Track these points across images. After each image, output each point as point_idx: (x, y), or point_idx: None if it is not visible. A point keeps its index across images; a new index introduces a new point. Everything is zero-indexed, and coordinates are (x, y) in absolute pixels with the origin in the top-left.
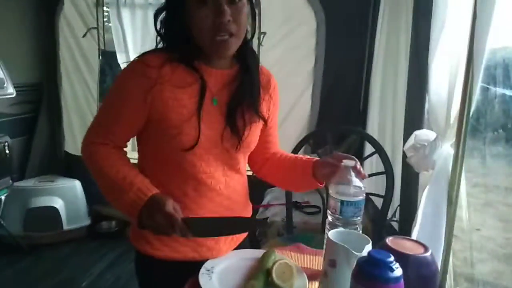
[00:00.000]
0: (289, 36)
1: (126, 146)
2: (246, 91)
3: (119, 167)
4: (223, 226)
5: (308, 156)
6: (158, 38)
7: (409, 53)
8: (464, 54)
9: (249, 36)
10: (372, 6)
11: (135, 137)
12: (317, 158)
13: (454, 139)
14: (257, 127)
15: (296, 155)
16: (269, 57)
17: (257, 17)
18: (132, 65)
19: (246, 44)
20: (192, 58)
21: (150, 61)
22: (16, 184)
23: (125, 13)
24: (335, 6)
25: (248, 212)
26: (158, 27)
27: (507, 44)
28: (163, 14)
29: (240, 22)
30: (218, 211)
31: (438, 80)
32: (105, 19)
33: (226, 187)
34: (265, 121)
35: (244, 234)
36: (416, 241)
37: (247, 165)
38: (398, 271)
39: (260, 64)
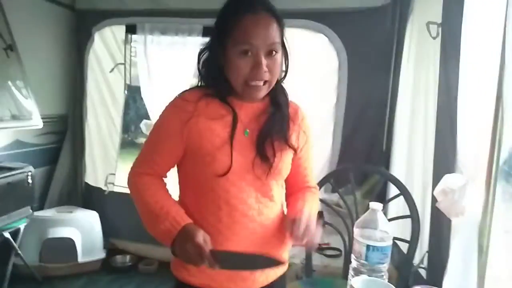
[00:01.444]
0: (310, 74)
1: (166, 176)
2: (276, 124)
3: (159, 197)
4: (248, 261)
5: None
6: (197, 75)
7: (437, 93)
8: (493, 97)
9: (281, 77)
10: (395, 45)
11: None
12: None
13: (484, 184)
14: (287, 155)
15: (296, 200)
16: (290, 95)
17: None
18: (173, 101)
19: (277, 83)
20: (226, 94)
21: (188, 97)
22: (36, 213)
23: (151, 50)
24: (357, 46)
25: (283, 243)
26: (199, 65)
27: None
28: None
29: (274, 71)
30: (252, 238)
31: (468, 122)
32: (132, 55)
33: (259, 214)
34: (295, 150)
35: (281, 270)
36: None
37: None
38: None
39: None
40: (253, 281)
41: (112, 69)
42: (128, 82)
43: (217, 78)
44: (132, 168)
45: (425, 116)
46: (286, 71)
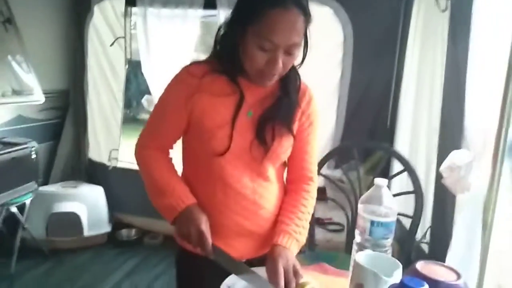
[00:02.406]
0: (315, 48)
1: (172, 148)
2: (282, 109)
3: (166, 172)
4: (238, 267)
5: (282, 226)
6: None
7: (445, 69)
8: (503, 72)
9: (296, 63)
10: (402, 18)
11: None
12: (277, 244)
13: (491, 161)
14: (288, 141)
15: (283, 216)
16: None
17: None
18: (178, 74)
19: (291, 68)
20: (236, 73)
21: (194, 71)
22: (41, 188)
23: (151, 24)
24: (363, 19)
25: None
26: (216, 39)
27: None
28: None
29: (288, 66)
30: (244, 214)
31: (476, 98)
32: (132, 29)
33: (253, 192)
34: (295, 138)
35: None
36: (448, 267)
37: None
38: None
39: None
40: (243, 253)
41: (112, 43)
42: (128, 56)
43: (231, 56)
44: (138, 141)
45: (431, 92)
46: (303, 58)
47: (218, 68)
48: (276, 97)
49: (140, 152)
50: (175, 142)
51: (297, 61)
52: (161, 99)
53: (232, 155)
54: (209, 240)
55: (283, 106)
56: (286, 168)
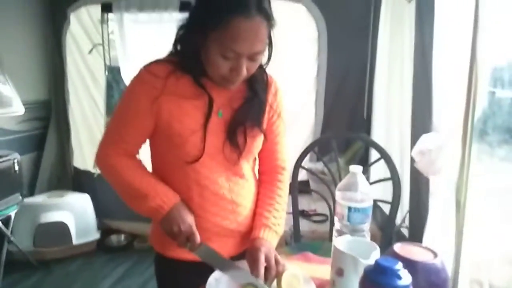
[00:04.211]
0: (291, 45)
1: (138, 153)
2: (252, 110)
3: (141, 175)
4: (224, 264)
5: (262, 219)
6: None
7: (413, 57)
8: (467, 58)
9: (263, 62)
10: (372, 12)
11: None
12: (258, 238)
13: (460, 142)
14: (259, 139)
15: (261, 208)
16: (271, 66)
17: None
18: (139, 75)
19: (258, 68)
20: (199, 75)
21: (157, 71)
22: (26, 200)
23: (128, 29)
24: (335, 14)
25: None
26: (175, 40)
27: None
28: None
29: (253, 71)
30: (223, 214)
31: (444, 83)
32: (110, 35)
33: (229, 191)
34: (266, 136)
35: None
36: (425, 247)
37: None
38: (406, 279)
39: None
40: (225, 252)
41: (91, 50)
42: (108, 63)
43: (192, 59)
44: (101, 149)
45: (401, 80)
46: (269, 59)
47: (180, 67)
48: (245, 97)
49: (105, 161)
50: (141, 147)
51: (264, 60)
52: (123, 102)
53: (205, 157)
54: (198, 238)
55: (253, 108)
56: (257, 161)
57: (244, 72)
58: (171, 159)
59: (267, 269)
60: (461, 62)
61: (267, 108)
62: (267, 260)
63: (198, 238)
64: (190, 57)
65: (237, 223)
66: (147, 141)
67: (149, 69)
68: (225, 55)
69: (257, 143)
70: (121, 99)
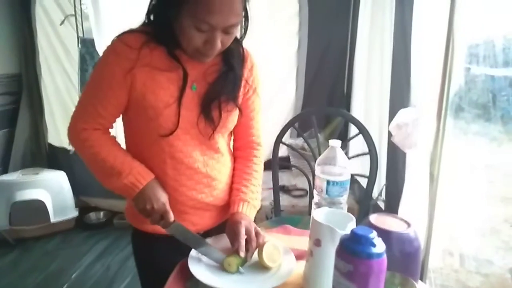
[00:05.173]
0: (271, 20)
1: (112, 127)
2: (227, 84)
3: (116, 152)
4: (196, 241)
5: (240, 194)
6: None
7: (393, 33)
8: (444, 34)
9: (239, 36)
10: None
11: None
12: (237, 212)
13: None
14: (234, 114)
15: (238, 184)
16: (252, 41)
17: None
18: (112, 45)
19: (234, 41)
20: (173, 47)
21: (130, 42)
22: (0, 177)
23: None
24: None
25: (229, 189)
26: (148, 11)
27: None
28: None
29: (227, 44)
30: (198, 188)
31: (422, 59)
32: (83, 6)
33: (204, 165)
34: (241, 111)
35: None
36: (399, 218)
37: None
38: (380, 247)
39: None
40: (202, 225)
41: (62, 22)
42: (81, 35)
43: (165, 31)
44: (73, 124)
45: (381, 56)
46: (245, 32)
47: (154, 37)
48: (220, 71)
49: (77, 135)
50: (115, 121)
51: (239, 34)
52: (96, 74)
53: (179, 130)
54: (172, 217)
55: (228, 81)
56: (232, 136)
57: (219, 46)
58: (145, 133)
59: (247, 241)
60: (439, 38)
61: (243, 83)
62: (247, 232)
63: (171, 216)
64: (164, 29)
65: (212, 196)
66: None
67: (122, 40)
68: (199, 27)
69: (232, 118)
70: (95, 71)
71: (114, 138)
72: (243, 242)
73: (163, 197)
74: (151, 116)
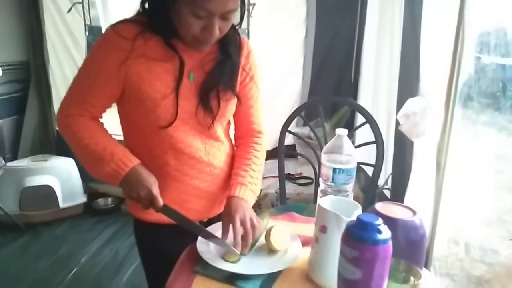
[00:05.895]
0: (279, 7)
1: (102, 117)
2: (225, 73)
3: (99, 138)
4: (189, 226)
5: (238, 178)
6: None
7: (403, 22)
8: (454, 23)
9: (236, 23)
10: None
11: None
12: (234, 196)
13: (443, 107)
14: (233, 102)
15: (237, 168)
16: (259, 29)
17: None
18: (105, 35)
19: (231, 28)
20: (170, 36)
21: (124, 33)
22: (9, 164)
23: None
24: None
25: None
26: None
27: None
28: None
29: (225, 31)
30: (200, 177)
31: (432, 48)
32: None
33: (206, 154)
34: (240, 100)
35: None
36: (405, 206)
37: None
38: (386, 233)
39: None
40: (205, 213)
41: (70, 9)
42: (88, 22)
43: (161, 19)
44: (61, 110)
45: (390, 45)
46: (241, 19)
47: (149, 27)
48: (217, 60)
49: (63, 121)
50: (104, 111)
51: (237, 20)
52: (88, 63)
53: (178, 121)
54: (161, 202)
55: (225, 70)
56: (233, 124)
57: (217, 32)
58: (144, 124)
59: (243, 235)
60: (449, 27)
61: (240, 71)
62: (242, 225)
63: (159, 201)
64: (159, 17)
65: (215, 185)
66: (116, 106)
67: (116, 30)
68: (197, 14)
69: (231, 106)
70: (87, 59)
71: (101, 124)
72: (238, 238)
73: (148, 182)
74: (149, 108)
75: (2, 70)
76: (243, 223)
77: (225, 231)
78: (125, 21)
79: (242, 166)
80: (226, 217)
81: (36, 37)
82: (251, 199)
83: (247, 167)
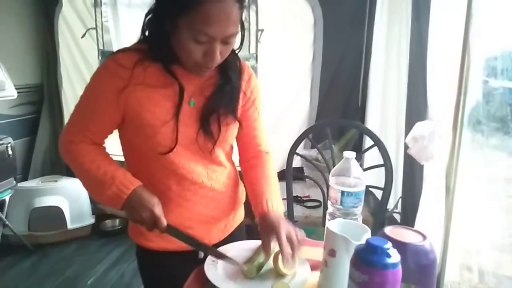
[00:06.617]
0: (286, 32)
1: (104, 143)
2: (225, 97)
3: (100, 162)
4: (194, 244)
5: (264, 194)
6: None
7: (410, 46)
8: (460, 45)
9: (235, 47)
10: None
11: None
12: (268, 212)
13: (451, 129)
14: (234, 127)
15: (257, 185)
16: (267, 53)
17: (255, 15)
18: (105, 64)
19: (231, 53)
20: (170, 62)
21: (123, 61)
22: (20, 184)
23: (122, 13)
24: (332, 1)
25: (237, 203)
26: (143, 25)
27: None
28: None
29: (226, 55)
30: (203, 202)
31: (439, 72)
32: (104, 19)
33: (208, 179)
34: (241, 124)
35: (237, 223)
36: (415, 230)
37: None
38: (395, 257)
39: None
40: (209, 239)
41: (84, 35)
42: (101, 47)
43: (161, 45)
44: (63, 136)
45: (398, 69)
46: (241, 43)
47: (149, 54)
48: (217, 84)
49: (65, 147)
50: (106, 137)
51: (236, 45)
52: (88, 91)
53: (180, 147)
54: (164, 222)
55: (225, 94)
56: (238, 148)
57: (218, 57)
58: (144, 151)
59: (291, 249)
60: (455, 50)
61: (241, 95)
62: (289, 239)
63: (163, 222)
64: (159, 44)
65: (218, 210)
66: (117, 133)
67: (115, 59)
68: (198, 39)
69: (232, 131)
70: (87, 87)
71: (102, 148)
72: (287, 250)
73: (150, 203)
74: (149, 134)
75: (17, 92)
76: (289, 236)
77: (266, 247)
78: (124, 50)
79: (263, 183)
80: (267, 232)
81: (51, 61)
82: (282, 212)
83: (269, 187)
